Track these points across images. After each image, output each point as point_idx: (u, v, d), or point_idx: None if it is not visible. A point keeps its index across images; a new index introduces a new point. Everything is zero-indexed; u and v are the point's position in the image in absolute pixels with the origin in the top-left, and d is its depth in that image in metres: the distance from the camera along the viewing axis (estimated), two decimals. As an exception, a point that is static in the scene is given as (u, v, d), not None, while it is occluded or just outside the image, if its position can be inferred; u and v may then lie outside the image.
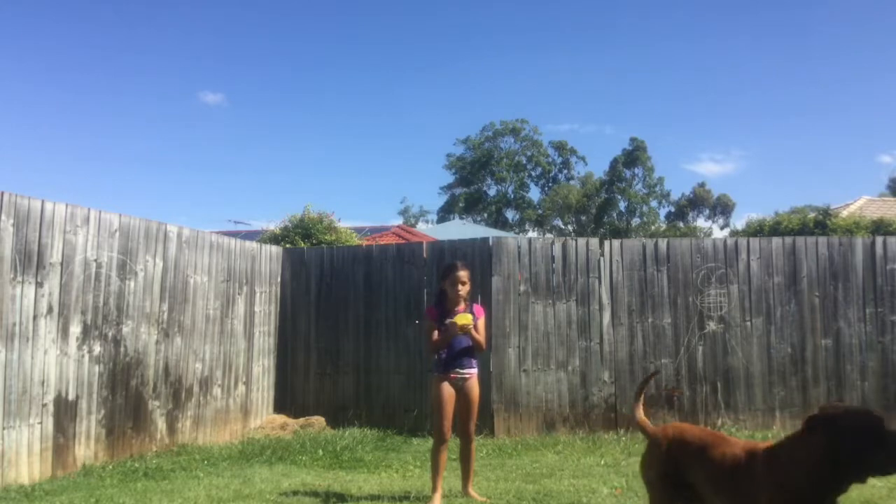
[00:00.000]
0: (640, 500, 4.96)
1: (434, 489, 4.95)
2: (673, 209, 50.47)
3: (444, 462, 5.05)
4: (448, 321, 4.94)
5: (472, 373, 5.07)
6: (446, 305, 5.07)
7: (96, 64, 61.74)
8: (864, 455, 2.49)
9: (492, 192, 53.61)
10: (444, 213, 51.68)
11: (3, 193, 5.42)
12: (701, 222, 49.00)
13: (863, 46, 61.31)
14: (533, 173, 54.25)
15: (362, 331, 8.44)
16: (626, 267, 8.00)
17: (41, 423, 5.65)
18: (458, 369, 5.02)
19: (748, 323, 7.91)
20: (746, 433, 7.45)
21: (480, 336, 5.07)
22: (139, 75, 63.09)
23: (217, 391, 7.67)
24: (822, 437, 2.55)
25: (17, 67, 57.06)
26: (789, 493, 2.58)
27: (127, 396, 6.50)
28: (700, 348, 7.89)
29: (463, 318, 4.88)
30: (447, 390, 4.99)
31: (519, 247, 8.08)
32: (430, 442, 7.40)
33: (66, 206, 5.95)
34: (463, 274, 5.06)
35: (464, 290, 5.06)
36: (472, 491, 5.14)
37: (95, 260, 6.21)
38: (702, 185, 50.14)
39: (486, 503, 4.99)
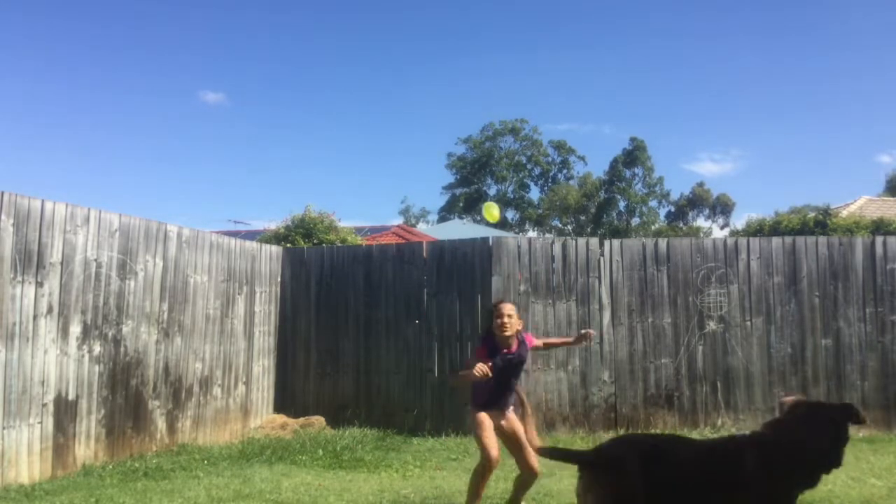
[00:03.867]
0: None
1: None
2: (673, 209, 50.49)
3: (484, 487, 4.67)
4: (467, 372, 4.55)
5: (511, 413, 4.79)
6: (495, 342, 4.74)
7: (96, 63, 61.77)
8: None
9: (492, 192, 53.61)
10: (446, 213, 51.69)
11: (3, 193, 5.42)
12: (701, 222, 49.06)
13: (862, 45, 61.34)
14: (533, 173, 54.27)
15: (362, 331, 8.44)
16: (626, 267, 8.00)
17: (41, 422, 5.65)
18: (495, 410, 4.73)
19: (748, 323, 7.91)
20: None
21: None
22: (139, 74, 63.11)
23: (217, 391, 7.67)
24: None
25: (16, 66, 57.09)
26: None
27: (127, 396, 6.50)
28: (700, 348, 7.89)
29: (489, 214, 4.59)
30: (485, 415, 4.67)
31: (519, 247, 8.08)
32: (430, 441, 7.44)
33: (66, 205, 5.95)
34: (507, 307, 4.76)
35: (510, 323, 4.70)
36: None
37: (95, 260, 6.22)
38: (701, 184, 50.20)
39: None
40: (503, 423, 4.76)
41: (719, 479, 2.82)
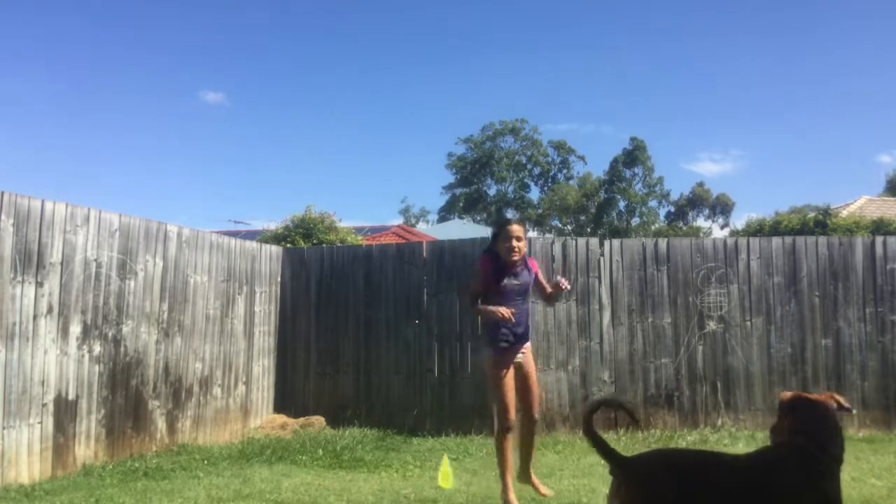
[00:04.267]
0: (639, 500, 4.95)
1: (506, 488, 4.44)
2: (673, 209, 50.48)
3: (510, 452, 4.44)
4: (492, 308, 4.34)
5: (529, 347, 4.62)
6: (501, 263, 4.45)
7: (96, 62, 61.79)
8: None
9: (492, 191, 53.64)
10: (446, 213, 51.70)
11: (3, 193, 5.42)
12: (700, 222, 49.06)
13: (861, 45, 61.35)
14: (533, 173, 54.29)
15: (362, 331, 8.44)
16: (626, 267, 8.00)
17: (41, 422, 5.65)
18: (518, 345, 4.51)
19: (748, 323, 7.91)
20: (746, 433, 7.45)
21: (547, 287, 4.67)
22: (139, 74, 63.21)
23: (217, 391, 7.67)
24: None
25: (16, 66, 57.10)
26: None
27: (127, 396, 6.50)
28: (700, 348, 7.89)
29: (444, 479, 4.64)
30: (507, 368, 4.44)
31: (519, 247, 8.06)
32: (430, 441, 7.43)
33: (66, 205, 5.95)
34: (517, 229, 4.45)
35: (520, 247, 4.44)
36: (534, 477, 4.69)
37: (95, 260, 6.22)
38: (701, 184, 50.19)
39: (551, 496, 4.56)
40: (521, 359, 4.53)
41: (766, 495, 2.66)
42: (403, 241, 14.96)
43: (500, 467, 4.47)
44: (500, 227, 4.55)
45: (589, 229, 47.56)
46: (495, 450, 4.51)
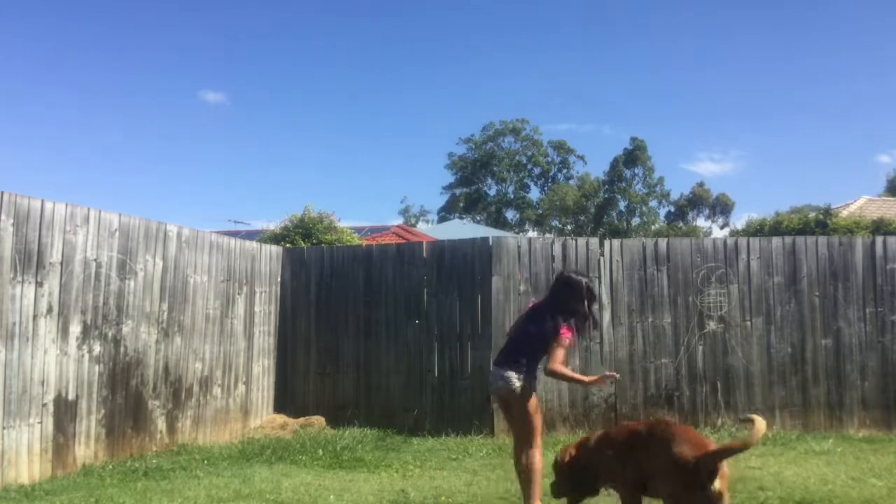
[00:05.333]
0: (639, 500, 4.95)
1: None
2: (673, 209, 50.47)
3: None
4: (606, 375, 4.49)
5: None
6: (579, 324, 4.56)
7: (97, 63, 61.82)
8: None
9: (492, 192, 53.63)
10: (446, 213, 51.68)
11: (3, 193, 5.42)
12: (700, 222, 49.06)
13: (862, 45, 61.35)
14: (533, 173, 54.27)
15: (362, 331, 8.44)
16: (626, 267, 8.00)
17: (41, 422, 5.65)
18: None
19: (748, 323, 7.91)
20: (746, 433, 7.42)
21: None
22: (140, 74, 63.15)
23: (217, 391, 7.67)
24: None
25: (16, 66, 57.10)
26: None
27: (127, 396, 6.50)
28: (700, 348, 7.89)
29: None
30: None
31: (519, 247, 8.07)
32: (430, 441, 7.45)
33: (66, 205, 5.95)
34: None
35: None
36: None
37: (95, 260, 6.21)
38: (700, 184, 50.19)
39: None
40: None
41: None
42: (403, 241, 14.95)
43: (535, 489, 4.35)
44: (592, 291, 4.64)
45: (589, 229, 47.54)
46: (533, 472, 4.38)
